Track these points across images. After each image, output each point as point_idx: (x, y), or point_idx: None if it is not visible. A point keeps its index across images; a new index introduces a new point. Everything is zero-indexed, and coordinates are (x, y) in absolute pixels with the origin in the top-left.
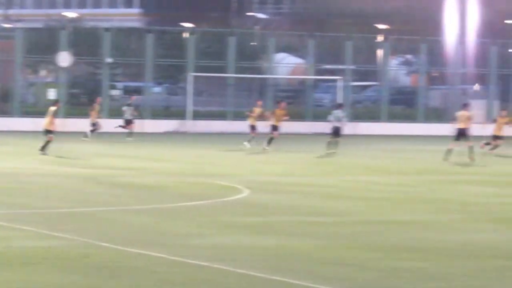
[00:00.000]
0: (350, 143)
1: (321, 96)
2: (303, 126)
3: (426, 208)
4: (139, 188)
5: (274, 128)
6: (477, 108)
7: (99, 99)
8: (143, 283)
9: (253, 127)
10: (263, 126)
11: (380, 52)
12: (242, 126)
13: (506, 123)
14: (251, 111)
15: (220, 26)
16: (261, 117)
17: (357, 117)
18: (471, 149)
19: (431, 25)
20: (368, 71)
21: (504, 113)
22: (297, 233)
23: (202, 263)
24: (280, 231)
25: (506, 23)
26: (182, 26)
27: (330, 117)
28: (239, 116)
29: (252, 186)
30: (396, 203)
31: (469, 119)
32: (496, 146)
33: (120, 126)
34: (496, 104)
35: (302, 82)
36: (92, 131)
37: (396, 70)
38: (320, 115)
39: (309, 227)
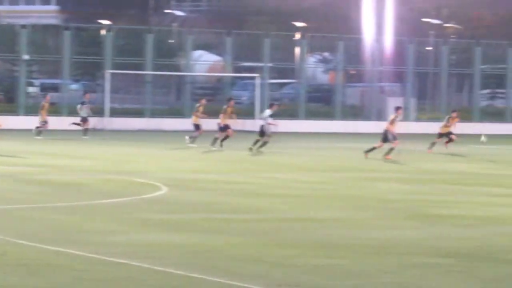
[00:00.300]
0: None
1: (239, 93)
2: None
3: (343, 205)
4: (56, 186)
5: (226, 127)
6: (394, 105)
7: (48, 97)
8: (61, 281)
9: (197, 126)
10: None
11: (297, 50)
12: (159, 123)
13: (454, 123)
14: (198, 109)
15: (138, 23)
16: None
17: (274, 114)
18: (391, 149)
19: (348, 23)
20: (285, 68)
21: (455, 114)
22: (215, 230)
23: (121, 261)
24: (198, 229)
25: (423, 21)
26: (100, 23)
27: (261, 116)
28: (156, 113)
29: (170, 183)
30: (314, 200)
31: (393, 121)
32: (433, 144)
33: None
34: (413, 101)
35: (220, 79)
36: (38, 127)
37: (313, 67)
38: (237, 113)
39: (227, 224)
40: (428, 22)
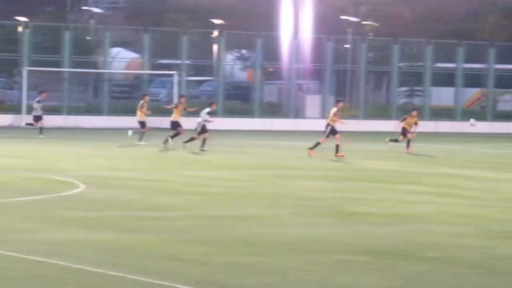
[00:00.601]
0: (187, 137)
1: (157, 91)
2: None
3: (263, 203)
4: None
5: (177, 124)
6: (312, 103)
7: None
8: None
9: (142, 123)
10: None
11: (215, 47)
12: (77, 121)
13: (415, 123)
14: (143, 105)
15: (55, 20)
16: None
17: (193, 112)
18: (337, 147)
19: (266, 20)
20: (204, 66)
21: (415, 113)
22: (133, 228)
23: (39, 259)
24: (116, 226)
25: (341, 19)
26: (17, 20)
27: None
28: (74, 111)
29: (88, 181)
30: (234, 198)
31: (335, 115)
32: (396, 141)
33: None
34: (331, 99)
35: (138, 76)
36: None
37: (231, 65)
38: (155, 110)
39: (145, 222)
40: (346, 20)
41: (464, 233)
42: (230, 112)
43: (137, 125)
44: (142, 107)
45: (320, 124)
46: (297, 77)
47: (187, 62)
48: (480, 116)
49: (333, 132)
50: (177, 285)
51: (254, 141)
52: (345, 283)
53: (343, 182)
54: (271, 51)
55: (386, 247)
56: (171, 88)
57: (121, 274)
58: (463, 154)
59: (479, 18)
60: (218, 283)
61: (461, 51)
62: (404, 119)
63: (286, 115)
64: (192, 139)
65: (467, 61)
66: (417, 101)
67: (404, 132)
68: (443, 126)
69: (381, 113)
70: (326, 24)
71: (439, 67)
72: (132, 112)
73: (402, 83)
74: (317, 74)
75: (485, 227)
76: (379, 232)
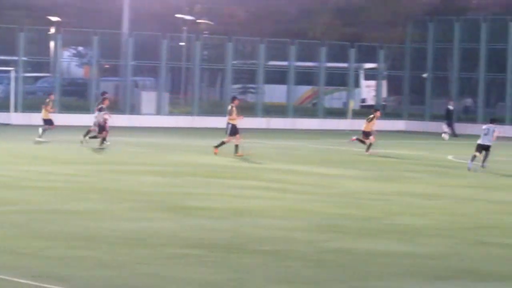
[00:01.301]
0: (23, 132)
1: None
2: None
3: (100, 197)
4: None
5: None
6: (147, 99)
7: None
8: None
9: (48, 121)
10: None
11: (52, 44)
12: None
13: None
14: (48, 104)
15: None
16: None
17: (29, 107)
18: (236, 146)
19: (103, 17)
20: (40, 62)
21: (378, 113)
22: None
23: None
24: None
25: (176, 17)
26: None
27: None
28: None
29: None
30: (71, 192)
31: (231, 113)
32: (363, 140)
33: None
34: (166, 96)
35: None
36: None
37: (68, 61)
38: None
39: None
40: (181, 18)
41: (296, 227)
42: (67, 108)
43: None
44: (48, 105)
45: (155, 121)
46: (133, 74)
47: (24, 58)
48: (312, 113)
49: (233, 130)
50: (14, 279)
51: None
52: (179, 276)
53: (179, 177)
54: (108, 48)
55: (220, 240)
56: (8, 84)
57: None
58: (295, 150)
59: (311, 18)
60: (55, 276)
61: (293, 50)
62: (371, 120)
63: (122, 111)
64: (94, 136)
65: (299, 59)
66: (250, 98)
67: (367, 134)
68: (276, 123)
69: (216, 109)
70: (162, 22)
71: (272, 65)
72: None
73: (236, 81)
74: (153, 71)
75: (316, 221)
76: (214, 226)
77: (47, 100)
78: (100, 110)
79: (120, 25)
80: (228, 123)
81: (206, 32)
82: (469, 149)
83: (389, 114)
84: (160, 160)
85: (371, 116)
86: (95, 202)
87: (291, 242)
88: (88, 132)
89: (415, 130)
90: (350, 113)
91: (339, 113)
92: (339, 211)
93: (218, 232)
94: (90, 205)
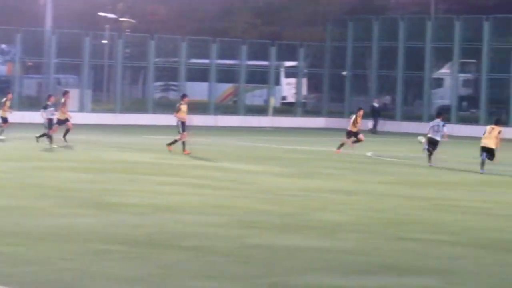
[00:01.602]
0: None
1: None
2: None
3: (23, 194)
4: None
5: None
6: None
7: None
8: None
9: (4, 119)
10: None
11: None
12: None
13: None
14: (5, 103)
15: None
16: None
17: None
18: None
19: (26, 15)
20: None
21: (361, 112)
22: None
23: None
24: None
25: (99, 15)
26: None
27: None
28: None
29: None
30: None
31: (179, 112)
32: (342, 145)
33: None
34: (88, 93)
35: None
36: None
37: None
38: None
39: None
40: (104, 16)
41: (219, 223)
42: None
43: None
44: (5, 104)
45: (78, 118)
46: (55, 72)
47: None
48: (233, 110)
49: (184, 127)
50: None
51: (14, 133)
52: (103, 272)
53: (102, 174)
54: (30, 46)
55: (143, 236)
56: None
57: None
58: (217, 147)
59: (232, 17)
60: None
61: (214, 48)
62: (356, 120)
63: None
64: (44, 134)
65: (220, 57)
66: (172, 95)
67: (352, 133)
68: (197, 120)
69: (138, 107)
70: (85, 20)
71: (194, 63)
72: None
73: (158, 78)
74: (76, 68)
75: (238, 217)
76: (137, 222)
77: (4, 99)
78: (45, 107)
79: (43, 23)
80: (178, 120)
81: (128, 30)
82: (387, 146)
83: (309, 111)
84: (83, 156)
85: (354, 116)
86: (18, 198)
87: (213, 238)
88: (67, 131)
89: (335, 127)
90: (270, 110)
91: (260, 111)
92: (260, 207)
93: (141, 228)
94: (13, 201)
